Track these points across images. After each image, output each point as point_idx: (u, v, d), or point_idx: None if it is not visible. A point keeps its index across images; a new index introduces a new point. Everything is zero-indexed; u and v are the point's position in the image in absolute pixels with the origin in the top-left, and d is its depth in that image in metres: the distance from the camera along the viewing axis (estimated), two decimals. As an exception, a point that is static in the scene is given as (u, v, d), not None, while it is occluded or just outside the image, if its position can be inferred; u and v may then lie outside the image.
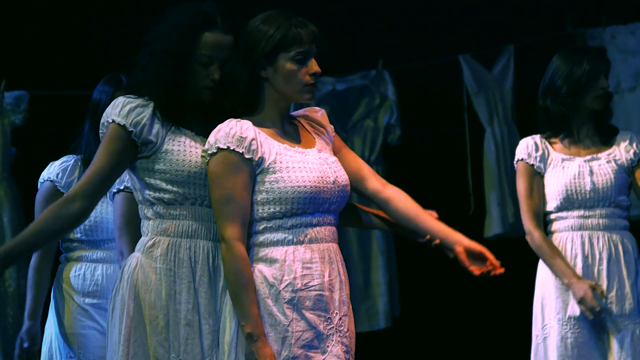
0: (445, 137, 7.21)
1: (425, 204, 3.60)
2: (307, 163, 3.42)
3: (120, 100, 3.45)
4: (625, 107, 6.62)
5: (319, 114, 3.63)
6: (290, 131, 3.52)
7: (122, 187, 4.20)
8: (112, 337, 3.42)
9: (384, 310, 7.01)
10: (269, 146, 3.40)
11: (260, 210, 3.38)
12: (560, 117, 4.90)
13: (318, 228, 3.41)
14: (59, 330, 4.68)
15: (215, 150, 3.36)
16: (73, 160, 4.68)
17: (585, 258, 4.84)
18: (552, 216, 4.93)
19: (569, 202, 4.87)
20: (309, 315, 3.36)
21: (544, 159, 4.92)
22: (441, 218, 3.57)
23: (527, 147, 4.94)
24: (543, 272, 4.91)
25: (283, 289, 3.35)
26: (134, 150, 3.43)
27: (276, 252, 3.37)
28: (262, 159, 3.37)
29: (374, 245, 7.04)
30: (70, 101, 6.14)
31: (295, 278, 3.35)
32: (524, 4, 6.91)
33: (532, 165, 4.92)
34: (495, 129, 6.87)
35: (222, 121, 3.40)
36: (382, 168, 6.97)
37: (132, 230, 4.14)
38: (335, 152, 3.58)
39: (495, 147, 6.84)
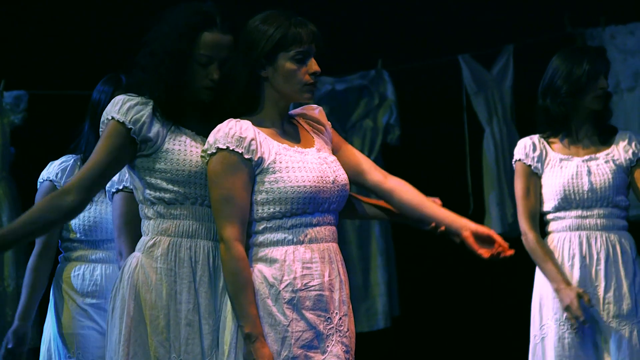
0: (444, 137, 7.21)
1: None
2: (306, 163, 3.42)
3: (120, 98, 3.46)
4: (625, 107, 6.61)
5: (317, 111, 3.63)
6: (290, 131, 3.51)
7: (121, 187, 4.19)
8: (112, 337, 3.42)
9: (383, 310, 7.00)
10: (269, 146, 3.40)
11: (260, 210, 3.38)
12: (560, 117, 4.89)
13: (318, 228, 3.41)
14: (58, 330, 4.67)
15: (214, 151, 3.36)
16: (72, 160, 4.68)
17: (583, 258, 4.83)
18: (550, 216, 4.92)
19: (566, 202, 4.86)
20: (308, 315, 3.35)
21: (541, 159, 4.91)
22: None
23: (525, 148, 4.93)
24: (541, 273, 4.91)
25: (283, 289, 3.34)
26: (132, 148, 3.43)
27: (276, 252, 3.37)
28: (261, 159, 3.37)
29: (373, 245, 7.04)
30: (69, 101, 6.14)
31: (295, 278, 3.35)
32: (524, 4, 6.90)
33: (530, 165, 4.91)
34: (494, 129, 6.86)
35: (222, 121, 3.40)
36: (381, 168, 6.96)
37: (131, 230, 4.13)
38: (335, 148, 3.58)
39: (495, 147, 6.84)
